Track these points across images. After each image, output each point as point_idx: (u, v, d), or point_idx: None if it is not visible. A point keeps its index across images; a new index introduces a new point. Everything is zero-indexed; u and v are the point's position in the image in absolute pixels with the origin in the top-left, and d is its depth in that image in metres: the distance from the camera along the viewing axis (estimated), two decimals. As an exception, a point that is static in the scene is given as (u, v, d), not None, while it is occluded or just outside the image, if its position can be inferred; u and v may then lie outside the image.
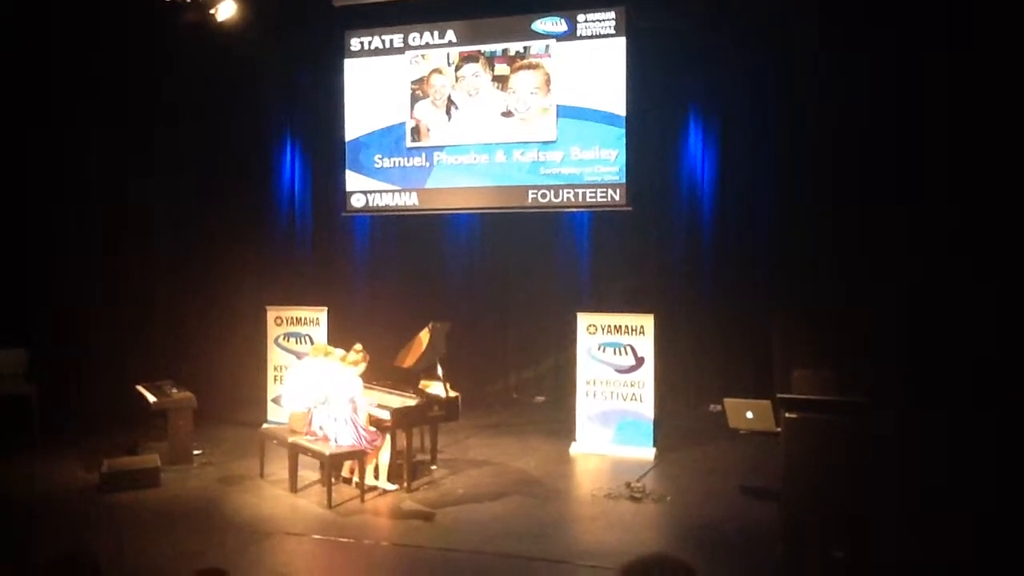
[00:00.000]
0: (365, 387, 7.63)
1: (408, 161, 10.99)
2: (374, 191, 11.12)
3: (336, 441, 7.27)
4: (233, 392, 10.46)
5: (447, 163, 10.80)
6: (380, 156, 11.09)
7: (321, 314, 9.96)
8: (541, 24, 10.41)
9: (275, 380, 9.90)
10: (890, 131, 8.96)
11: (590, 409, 8.99)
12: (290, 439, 7.64)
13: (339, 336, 9.10)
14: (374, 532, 6.74)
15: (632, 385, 8.84)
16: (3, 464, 8.30)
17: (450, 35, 10.76)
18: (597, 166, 10.21)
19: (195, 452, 8.59)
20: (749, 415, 7.42)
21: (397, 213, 11.16)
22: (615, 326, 8.93)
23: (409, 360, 8.30)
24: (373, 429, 7.47)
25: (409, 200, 10.98)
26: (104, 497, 7.45)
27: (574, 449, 8.96)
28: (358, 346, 7.67)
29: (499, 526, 6.74)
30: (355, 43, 11.16)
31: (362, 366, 7.58)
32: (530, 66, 10.46)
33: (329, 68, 11.27)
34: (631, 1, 10.06)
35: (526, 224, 10.89)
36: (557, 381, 10.77)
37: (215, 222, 11.35)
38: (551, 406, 10.84)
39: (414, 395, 7.98)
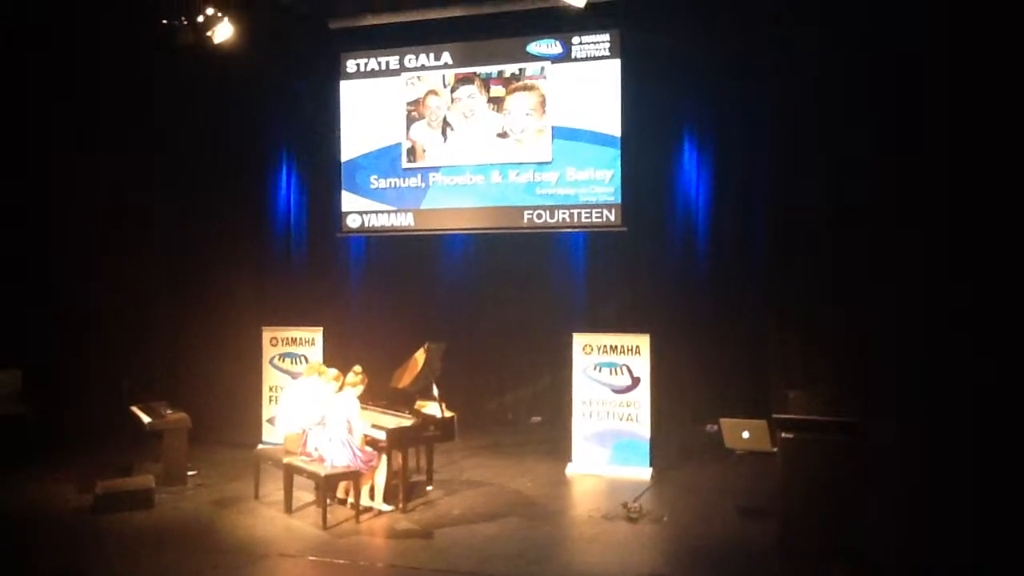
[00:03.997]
0: (361, 407, 7.62)
1: (404, 182, 11.03)
2: (370, 212, 11.15)
3: (331, 462, 7.24)
4: (228, 413, 10.42)
5: (443, 184, 10.84)
6: (376, 177, 11.14)
7: (316, 334, 9.95)
8: (536, 46, 10.50)
9: (270, 401, 9.87)
10: (888, 153, 9.00)
11: (586, 429, 8.98)
12: (285, 460, 7.61)
13: (334, 357, 9.09)
14: (370, 553, 6.71)
15: (628, 405, 8.84)
16: (-3, 485, 8.26)
17: (446, 57, 10.84)
18: (592, 186, 10.26)
19: (189, 473, 8.55)
20: (745, 435, 7.44)
21: (393, 234, 11.19)
22: (611, 346, 8.94)
23: (405, 380, 8.28)
24: (369, 449, 7.45)
25: (405, 221, 11.01)
26: (98, 518, 7.40)
27: (570, 469, 8.93)
28: (357, 368, 7.66)
29: (495, 547, 6.71)
30: (351, 65, 11.23)
31: (359, 388, 7.57)
32: (525, 88, 10.53)
33: (325, 90, 11.34)
34: (626, 23, 10.15)
35: (521, 244, 10.92)
36: (553, 401, 10.75)
37: (211, 243, 11.38)
38: (547, 426, 10.83)
39: (410, 415, 7.96)
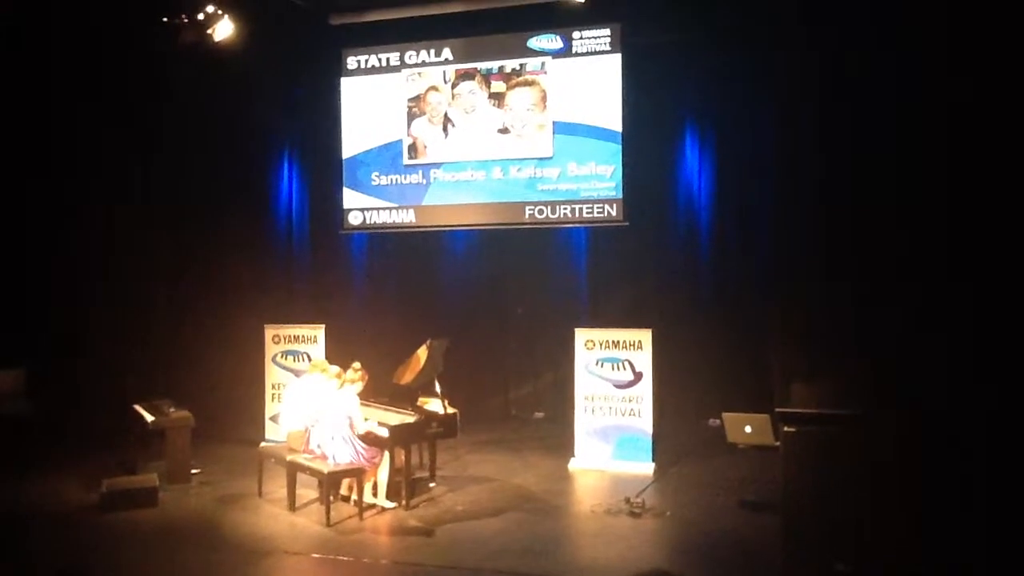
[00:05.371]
0: (363, 404, 7.63)
1: (405, 178, 11.02)
2: (371, 208, 11.14)
3: (334, 459, 7.26)
4: (231, 410, 10.44)
5: (444, 180, 10.83)
6: (377, 173, 11.13)
7: (319, 332, 9.96)
8: (537, 41, 10.47)
9: (273, 398, 9.89)
10: (889, 143, 8.97)
11: (589, 425, 8.98)
12: (288, 457, 7.63)
13: (337, 354, 9.09)
14: (373, 550, 6.72)
15: (631, 400, 8.84)
16: (2, 483, 8.26)
17: (446, 53, 10.82)
18: (594, 182, 10.24)
19: (193, 471, 8.56)
20: (748, 429, 7.43)
21: (395, 230, 11.18)
22: (613, 341, 8.94)
23: (407, 377, 8.30)
24: (371, 447, 7.47)
25: (406, 217, 11.00)
26: (103, 517, 7.43)
27: (573, 465, 8.94)
28: (356, 364, 7.67)
29: (499, 543, 6.73)
30: (352, 61, 11.21)
31: (359, 384, 7.58)
32: (526, 83, 10.51)
33: (326, 86, 11.31)
34: (626, 18, 10.13)
35: (523, 240, 10.91)
36: (555, 397, 10.75)
37: (213, 240, 11.38)
38: (550, 422, 10.83)
39: (412, 412, 7.97)
